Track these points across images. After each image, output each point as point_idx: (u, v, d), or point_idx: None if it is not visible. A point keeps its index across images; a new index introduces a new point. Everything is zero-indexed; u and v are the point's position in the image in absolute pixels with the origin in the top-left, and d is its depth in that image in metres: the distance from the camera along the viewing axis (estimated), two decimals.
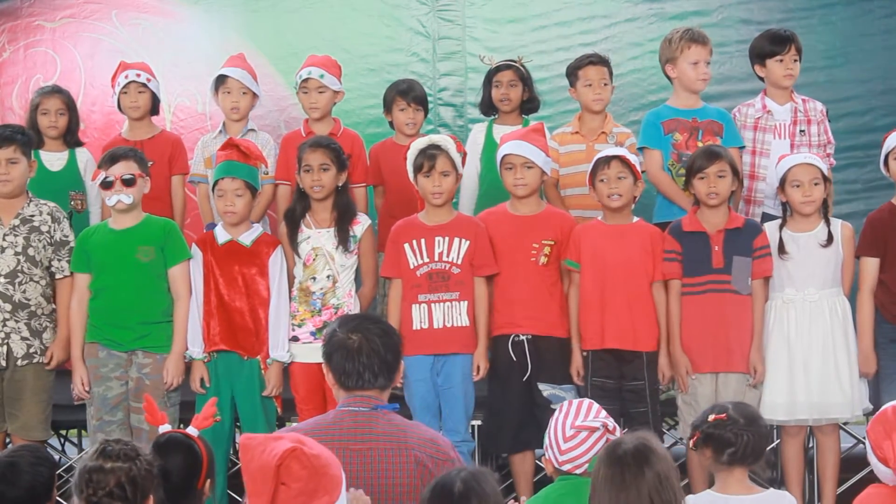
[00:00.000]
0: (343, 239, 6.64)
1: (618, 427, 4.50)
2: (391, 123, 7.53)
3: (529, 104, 7.52)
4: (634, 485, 3.83)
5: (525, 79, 7.49)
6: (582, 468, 4.40)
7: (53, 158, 7.43)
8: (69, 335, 6.62)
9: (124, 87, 7.43)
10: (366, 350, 4.30)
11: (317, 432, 4.10)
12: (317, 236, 6.69)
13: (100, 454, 3.86)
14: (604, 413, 4.51)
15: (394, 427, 4.29)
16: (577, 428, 4.42)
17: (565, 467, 4.42)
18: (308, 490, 3.47)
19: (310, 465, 3.48)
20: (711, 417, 4.68)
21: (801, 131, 7.14)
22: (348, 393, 4.33)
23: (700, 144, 6.99)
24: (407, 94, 7.43)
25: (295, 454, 3.47)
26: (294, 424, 4.64)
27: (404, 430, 4.29)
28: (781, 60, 7.14)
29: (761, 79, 7.25)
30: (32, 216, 6.66)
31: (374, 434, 4.24)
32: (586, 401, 4.58)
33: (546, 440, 4.48)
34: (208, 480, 4.19)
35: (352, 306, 6.62)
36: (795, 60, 7.15)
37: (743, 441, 4.66)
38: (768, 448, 5.19)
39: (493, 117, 7.55)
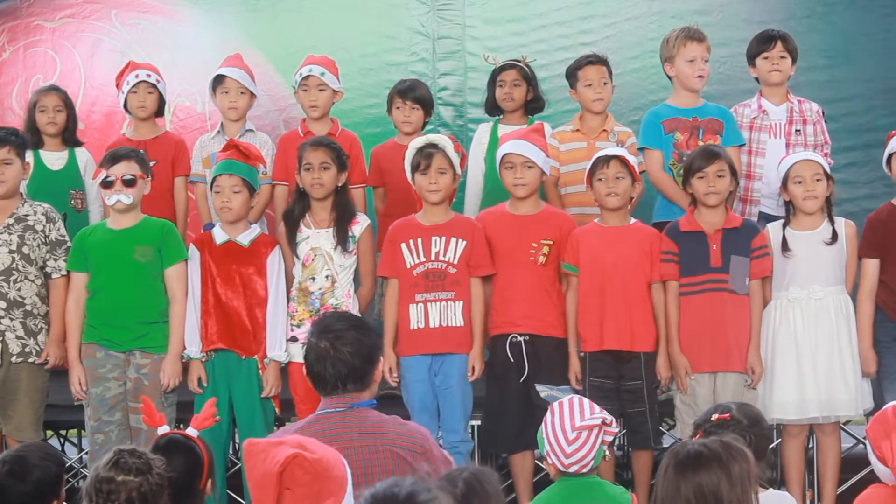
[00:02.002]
0: (342, 239, 6.63)
1: (614, 420, 4.51)
2: (394, 123, 7.52)
3: (534, 104, 7.49)
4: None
5: (529, 78, 7.47)
6: (588, 466, 4.42)
7: (53, 158, 7.43)
8: (64, 334, 6.59)
9: (133, 86, 7.40)
10: (331, 358, 4.28)
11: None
12: (315, 236, 6.68)
13: (113, 465, 3.85)
14: (597, 407, 4.52)
15: (368, 424, 4.26)
16: (579, 429, 4.41)
17: (572, 469, 4.43)
18: (313, 494, 3.46)
19: (312, 470, 3.46)
20: (715, 417, 4.66)
21: (796, 131, 7.14)
22: (325, 396, 4.33)
23: (701, 144, 6.98)
24: (406, 93, 7.41)
25: (297, 460, 3.45)
26: (284, 427, 4.61)
27: (379, 426, 4.27)
28: (767, 58, 7.15)
29: (757, 80, 7.26)
30: (27, 216, 6.64)
31: (348, 434, 4.22)
32: (577, 398, 4.57)
33: (546, 445, 4.46)
34: (209, 480, 4.19)
35: (350, 306, 6.61)
36: (783, 57, 7.16)
37: (745, 442, 4.65)
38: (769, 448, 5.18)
39: (498, 117, 7.53)
